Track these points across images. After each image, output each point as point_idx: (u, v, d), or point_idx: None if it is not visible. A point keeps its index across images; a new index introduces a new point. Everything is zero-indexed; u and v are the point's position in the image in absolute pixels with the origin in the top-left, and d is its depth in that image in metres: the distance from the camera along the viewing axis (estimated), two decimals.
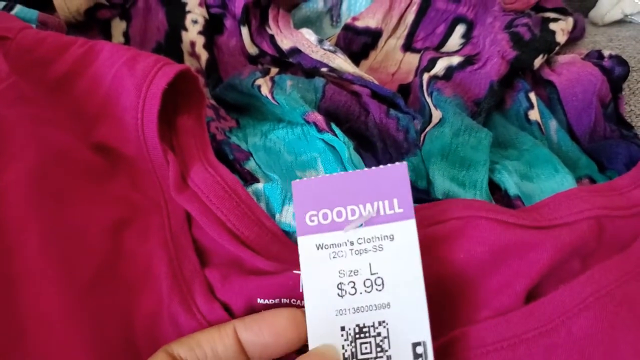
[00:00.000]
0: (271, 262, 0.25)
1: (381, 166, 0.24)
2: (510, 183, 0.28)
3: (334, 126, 0.30)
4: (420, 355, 0.22)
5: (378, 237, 0.24)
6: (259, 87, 0.32)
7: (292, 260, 0.24)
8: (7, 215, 0.25)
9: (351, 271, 0.23)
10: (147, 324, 0.25)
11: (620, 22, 0.48)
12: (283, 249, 0.26)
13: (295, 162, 0.30)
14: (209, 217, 0.26)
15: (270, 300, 0.24)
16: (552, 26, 0.37)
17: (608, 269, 0.24)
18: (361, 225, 0.24)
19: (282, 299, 0.24)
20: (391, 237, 0.23)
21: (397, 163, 0.24)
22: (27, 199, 0.26)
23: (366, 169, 0.24)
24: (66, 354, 0.23)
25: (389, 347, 0.22)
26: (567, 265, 0.25)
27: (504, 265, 0.24)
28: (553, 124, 0.33)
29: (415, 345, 0.22)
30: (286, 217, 0.27)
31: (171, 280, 0.26)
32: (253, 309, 0.24)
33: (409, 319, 0.22)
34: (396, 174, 0.24)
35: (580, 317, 0.23)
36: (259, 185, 0.28)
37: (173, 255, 0.26)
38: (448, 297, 0.24)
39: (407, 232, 0.23)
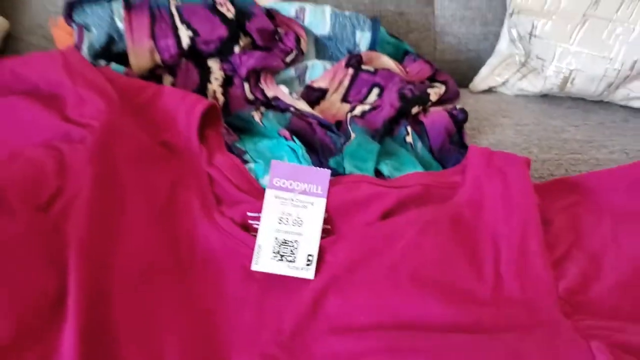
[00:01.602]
0: (254, 199, 0.48)
1: (318, 167, 0.48)
2: (386, 170, 0.52)
3: (295, 138, 0.54)
4: (309, 261, 0.45)
5: (305, 202, 0.47)
6: (253, 117, 0.57)
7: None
8: (119, 173, 0.48)
9: (288, 213, 0.47)
10: (187, 235, 0.48)
11: (488, 90, 0.74)
12: (261, 194, 0.49)
13: (272, 157, 0.54)
14: (223, 179, 0.49)
15: (254, 213, 0.47)
16: (429, 90, 0.63)
17: (427, 209, 0.48)
18: (299, 193, 0.47)
19: (259, 213, 0.47)
20: (312, 203, 0.47)
21: (325, 169, 0.48)
22: (130, 165, 0.49)
23: (311, 166, 0.48)
24: (150, 244, 0.46)
25: (297, 253, 0.45)
26: (405, 207, 0.48)
27: (372, 203, 0.48)
28: (419, 145, 0.57)
29: (308, 255, 0.45)
30: (264, 181, 0.50)
31: (201, 210, 0.49)
32: (245, 219, 0.47)
33: (309, 242, 0.46)
34: (324, 173, 0.48)
35: (408, 230, 0.46)
36: (252, 165, 0.51)
37: (202, 199, 0.49)
38: (352, 216, 0.47)
39: (320, 204, 0.47)
